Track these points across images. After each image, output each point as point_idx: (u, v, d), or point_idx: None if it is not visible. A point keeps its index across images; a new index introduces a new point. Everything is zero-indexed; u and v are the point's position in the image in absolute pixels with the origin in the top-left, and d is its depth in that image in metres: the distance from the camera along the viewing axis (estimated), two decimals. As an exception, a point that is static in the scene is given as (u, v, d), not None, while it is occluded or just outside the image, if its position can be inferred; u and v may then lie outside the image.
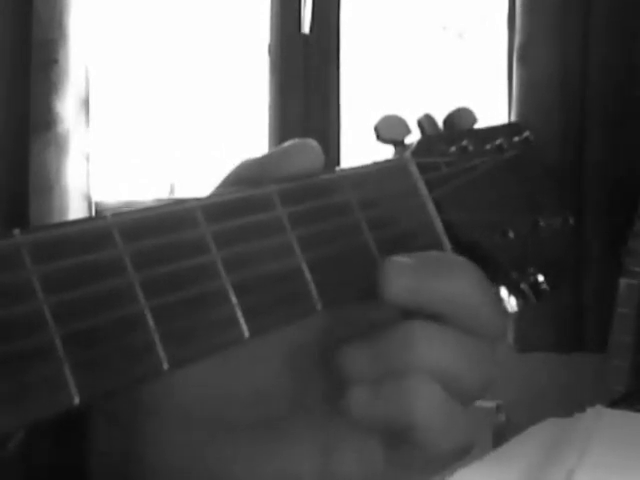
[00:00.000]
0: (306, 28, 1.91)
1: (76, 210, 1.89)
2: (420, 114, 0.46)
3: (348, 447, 0.38)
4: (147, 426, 0.40)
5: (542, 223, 0.46)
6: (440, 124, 0.46)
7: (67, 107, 1.87)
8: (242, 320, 0.34)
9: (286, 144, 0.39)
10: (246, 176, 0.39)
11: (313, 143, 0.39)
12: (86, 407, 0.30)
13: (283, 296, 0.36)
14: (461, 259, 0.39)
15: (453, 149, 0.45)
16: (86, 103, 1.91)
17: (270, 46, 1.96)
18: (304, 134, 1.94)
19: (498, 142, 0.46)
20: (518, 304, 0.43)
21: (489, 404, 1.76)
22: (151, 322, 0.32)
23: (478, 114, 0.47)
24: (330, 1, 1.93)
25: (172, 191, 2.10)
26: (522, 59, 1.64)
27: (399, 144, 0.44)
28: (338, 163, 1.95)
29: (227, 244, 0.35)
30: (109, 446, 0.40)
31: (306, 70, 1.94)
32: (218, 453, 0.39)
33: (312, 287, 0.37)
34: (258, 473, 0.38)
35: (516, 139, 0.48)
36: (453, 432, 0.37)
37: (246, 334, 0.34)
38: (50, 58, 1.84)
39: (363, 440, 0.38)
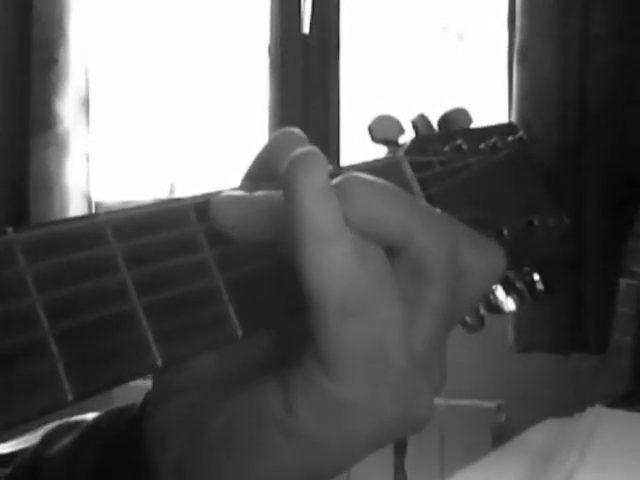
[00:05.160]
0: (306, 28, 1.91)
1: (76, 210, 1.89)
2: (415, 114, 0.46)
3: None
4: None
5: (536, 222, 0.46)
6: (435, 124, 0.46)
7: (67, 107, 1.87)
8: (234, 317, 0.34)
9: (272, 139, 0.39)
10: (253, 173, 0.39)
11: (297, 132, 0.39)
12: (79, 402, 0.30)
13: (272, 293, 0.36)
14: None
15: (447, 148, 0.45)
16: (86, 103, 1.91)
17: (270, 46, 1.96)
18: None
19: (492, 141, 0.46)
20: (515, 303, 0.43)
21: (489, 404, 1.76)
22: (144, 319, 0.32)
23: (478, 114, 0.47)
24: (330, 1, 1.93)
25: (172, 191, 2.10)
26: (522, 59, 1.64)
27: (393, 144, 0.44)
28: (338, 163, 1.95)
29: (219, 242, 0.35)
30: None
31: (306, 70, 1.93)
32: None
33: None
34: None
35: (510, 139, 0.47)
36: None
37: (239, 331, 0.34)
38: (50, 58, 1.84)
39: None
